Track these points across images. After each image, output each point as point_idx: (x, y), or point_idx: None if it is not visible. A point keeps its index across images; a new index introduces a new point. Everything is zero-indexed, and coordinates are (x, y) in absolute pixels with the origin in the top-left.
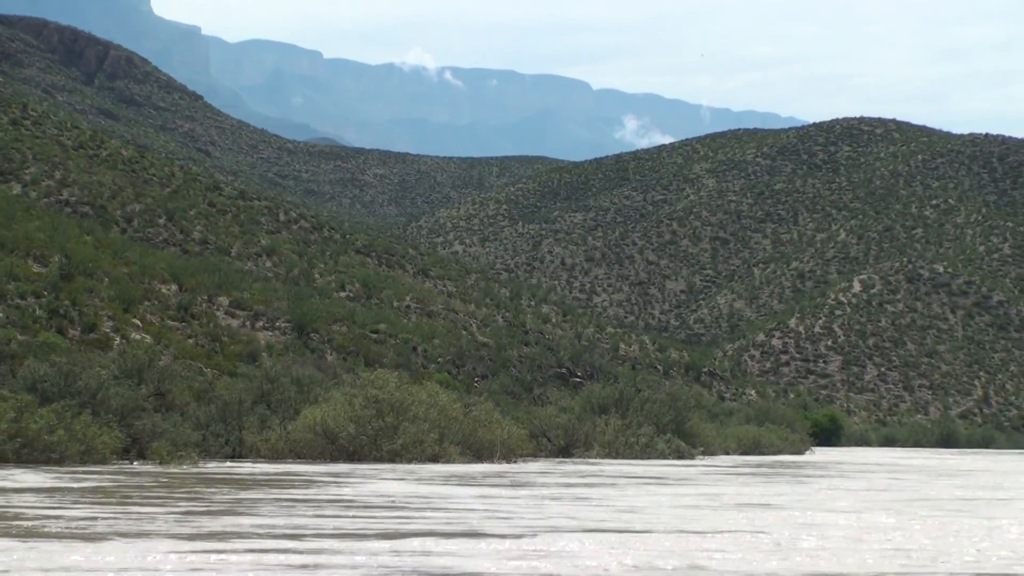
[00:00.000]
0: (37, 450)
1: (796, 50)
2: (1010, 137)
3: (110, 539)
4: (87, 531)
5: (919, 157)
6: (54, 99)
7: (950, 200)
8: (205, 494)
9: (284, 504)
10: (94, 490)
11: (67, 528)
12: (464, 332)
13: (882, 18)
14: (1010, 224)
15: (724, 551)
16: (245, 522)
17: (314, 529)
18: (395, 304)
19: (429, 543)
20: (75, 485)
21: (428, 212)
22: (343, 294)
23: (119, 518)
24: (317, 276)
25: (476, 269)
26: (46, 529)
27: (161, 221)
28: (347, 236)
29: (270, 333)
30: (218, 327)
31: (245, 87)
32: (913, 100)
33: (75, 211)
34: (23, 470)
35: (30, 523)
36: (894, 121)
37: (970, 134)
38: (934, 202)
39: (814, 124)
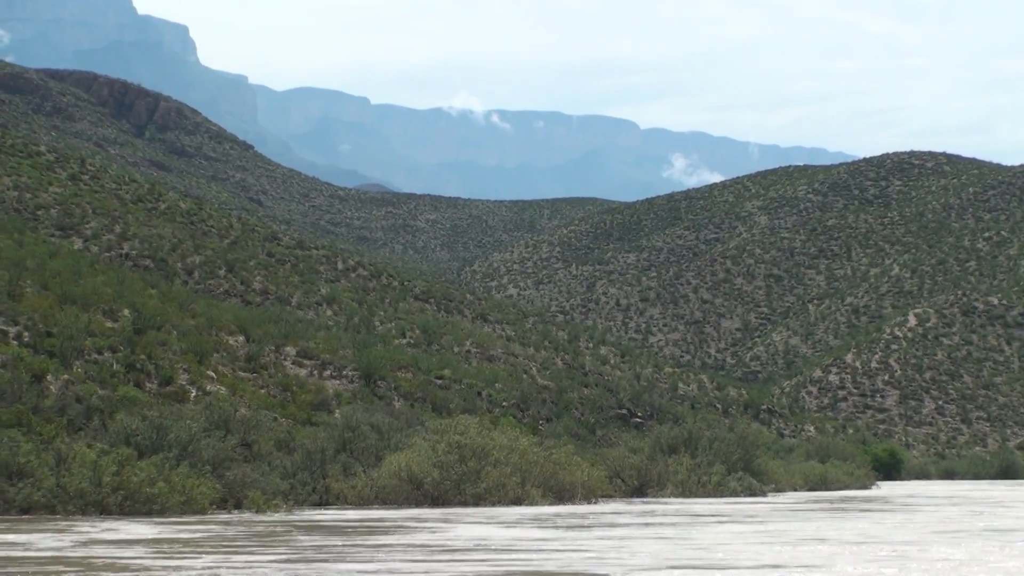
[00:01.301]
0: (139, 502)
1: (840, 85)
2: None
3: None
4: None
5: (970, 190)
6: (106, 152)
7: (1002, 232)
8: (305, 542)
9: (379, 549)
10: (207, 539)
11: None
12: (525, 375)
13: (924, 51)
14: None
15: None
16: (353, 568)
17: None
18: (455, 350)
19: None
20: (186, 535)
21: (481, 256)
22: (403, 341)
23: (239, 568)
24: (377, 323)
25: (533, 312)
26: None
27: (221, 272)
28: (405, 283)
29: (338, 382)
30: (287, 377)
31: (293, 135)
32: (960, 132)
33: (136, 265)
34: (128, 522)
35: (161, 574)
36: (944, 154)
37: (1021, 165)
38: (987, 234)
39: (864, 159)
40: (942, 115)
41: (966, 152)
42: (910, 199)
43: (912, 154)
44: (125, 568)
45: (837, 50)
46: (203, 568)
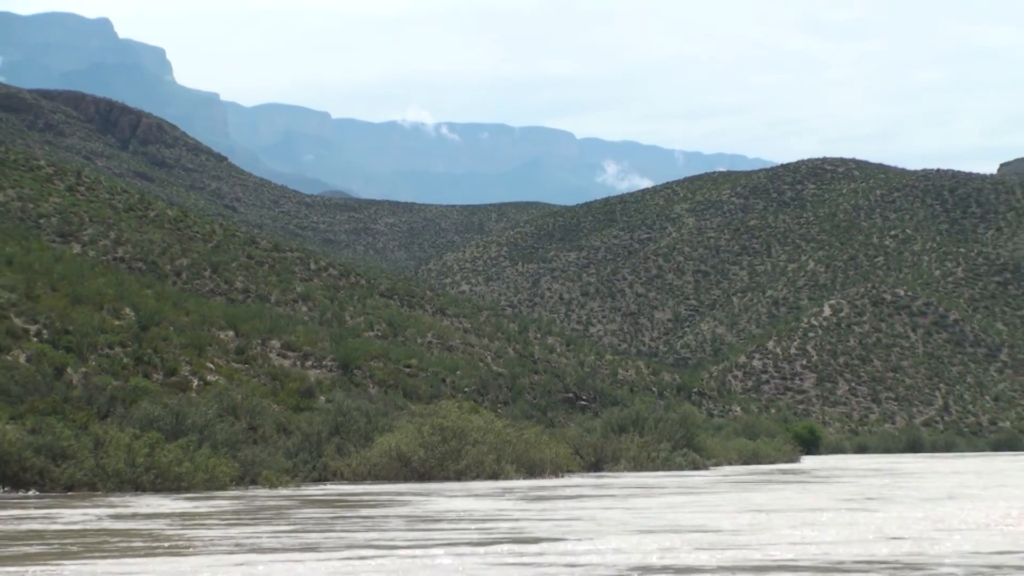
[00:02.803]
0: (169, 480)
1: (758, 97)
2: (958, 171)
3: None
4: (263, 546)
5: (877, 192)
6: (94, 164)
7: (907, 230)
8: (314, 514)
9: (380, 519)
10: (241, 512)
11: (238, 545)
12: (481, 364)
13: (834, 66)
14: (962, 250)
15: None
16: (380, 537)
17: (411, 541)
18: (419, 341)
19: (516, 547)
20: (206, 509)
21: (435, 256)
22: (372, 333)
23: (281, 535)
24: (348, 318)
25: (486, 306)
26: (230, 546)
27: (207, 273)
28: (371, 281)
29: (319, 371)
30: (274, 367)
31: (261, 147)
32: (867, 140)
33: (130, 267)
34: (159, 497)
35: (209, 543)
36: (853, 160)
37: (922, 170)
38: (893, 232)
39: (781, 165)
40: (851, 124)
41: (873, 158)
42: (823, 201)
43: (824, 160)
44: (148, 535)
45: (755, 65)
46: (214, 536)
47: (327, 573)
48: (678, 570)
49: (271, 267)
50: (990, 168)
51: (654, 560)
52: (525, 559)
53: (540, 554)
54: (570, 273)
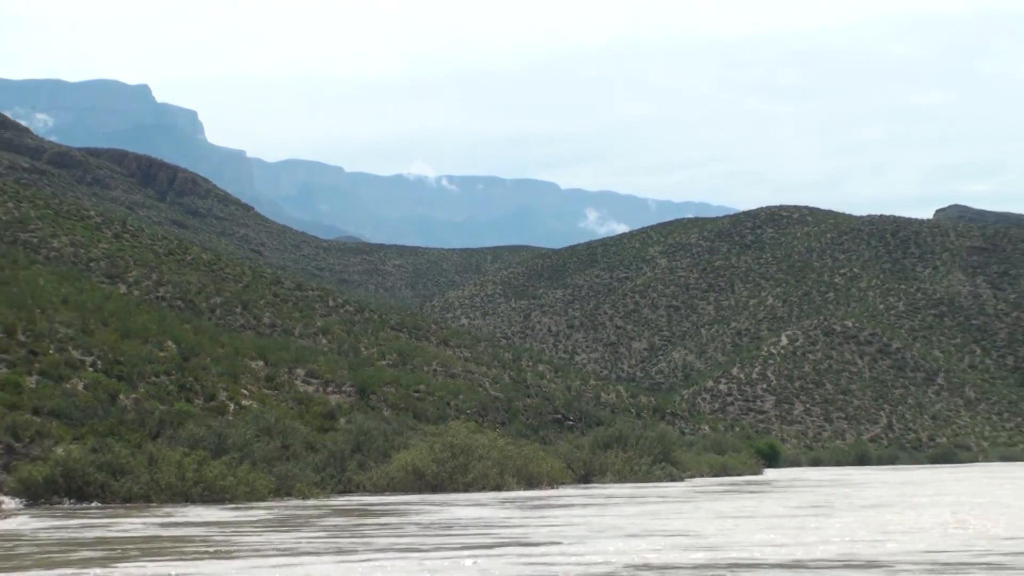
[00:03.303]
0: (215, 492)
1: (721, 151)
2: (898, 216)
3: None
4: (299, 550)
5: (828, 235)
6: (137, 214)
7: (854, 269)
8: (341, 522)
9: (400, 526)
10: (280, 520)
11: (277, 549)
12: (480, 388)
13: (787, 124)
14: (903, 287)
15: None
16: (402, 541)
17: (430, 545)
18: (425, 368)
19: (522, 550)
20: (247, 518)
21: (438, 294)
22: (384, 362)
23: (316, 540)
24: (363, 349)
25: (484, 338)
26: (270, 550)
27: (238, 310)
28: (382, 316)
29: (339, 396)
30: (299, 393)
31: (283, 197)
32: (818, 188)
33: (170, 305)
34: (206, 508)
35: (252, 548)
36: (806, 207)
37: (867, 215)
38: (842, 271)
39: (743, 212)
40: (803, 175)
41: (823, 205)
42: (780, 243)
43: (781, 207)
44: (197, 541)
45: (717, 124)
46: (256, 541)
47: (361, 574)
48: (666, 567)
49: (294, 304)
50: (926, 214)
51: (647, 559)
52: (534, 560)
53: (545, 555)
54: (557, 308)
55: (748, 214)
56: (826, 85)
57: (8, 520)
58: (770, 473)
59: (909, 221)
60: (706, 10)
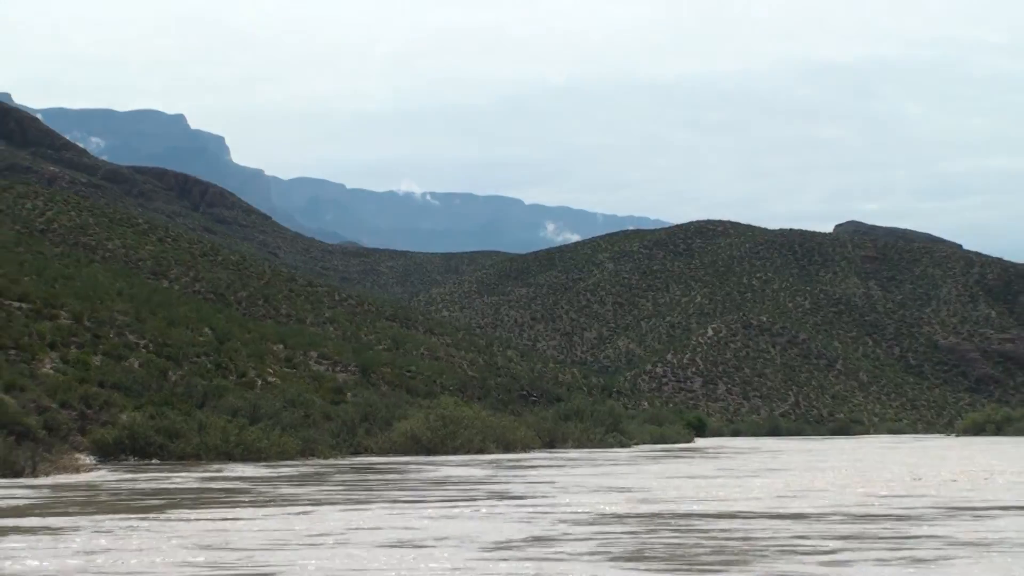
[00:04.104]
0: (252, 452)
1: (658, 175)
2: (804, 230)
3: (375, 503)
4: (324, 500)
5: (746, 246)
6: (175, 222)
7: (768, 274)
8: (363, 478)
9: (403, 481)
10: (307, 475)
11: (307, 499)
12: (459, 369)
13: (711, 152)
14: (808, 288)
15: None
16: (408, 494)
17: (433, 497)
18: (415, 353)
19: (509, 502)
20: (276, 474)
21: (424, 291)
22: (380, 347)
23: (335, 493)
24: (363, 336)
25: (462, 328)
26: (301, 499)
27: (260, 302)
28: (378, 309)
29: (344, 375)
30: (313, 372)
31: (295, 209)
32: (738, 206)
33: (205, 298)
34: (245, 466)
35: (284, 498)
36: (729, 222)
37: (778, 229)
38: (758, 275)
39: (676, 225)
40: (725, 195)
41: (743, 220)
42: (707, 251)
43: (707, 221)
44: (240, 492)
45: (654, 151)
46: (288, 492)
47: (379, 518)
48: (626, 516)
49: (306, 298)
50: (828, 228)
51: (613, 509)
52: (524, 508)
53: (531, 505)
54: (522, 303)
55: (680, 227)
56: (743, 121)
57: (91, 473)
58: (700, 442)
59: (813, 234)
60: (644, 57)
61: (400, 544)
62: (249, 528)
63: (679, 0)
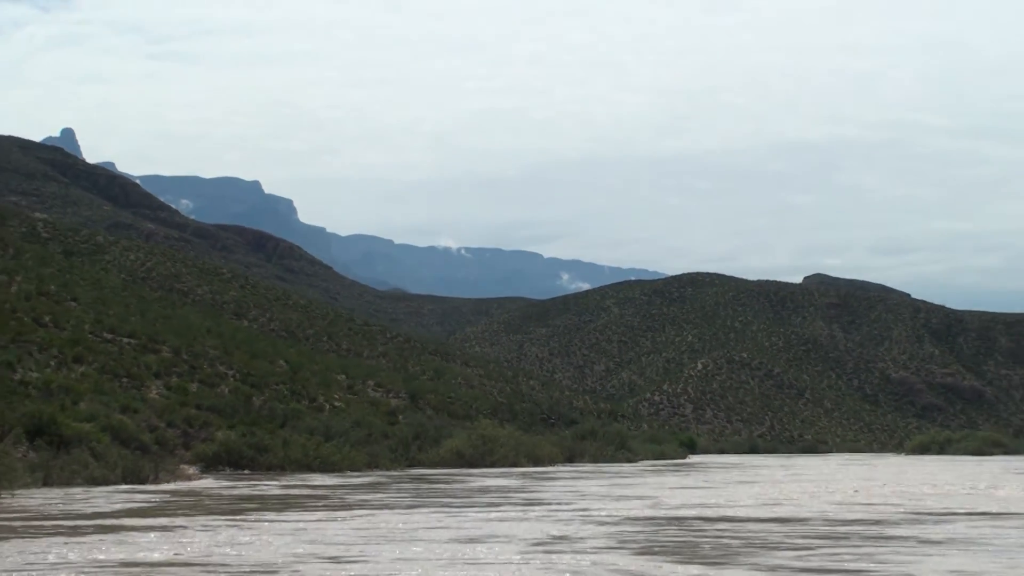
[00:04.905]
0: (328, 464)
1: (655, 234)
2: (779, 281)
3: (421, 507)
4: (388, 504)
5: (729, 294)
6: (252, 272)
7: (748, 317)
8: (419, 487)
9: (451, 490)
10: (373, 484)
11: (375, 503)
12: (491, 396)
13: (700, 215)
14: (781, 330)
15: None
16: (457, 500)
17: (481, 502)
18: (453, 382)
19: (542, 507)
20: (347, 483)
21: (459, 330)
22: (425, 377)
23: (398, 498)
24: (410, 367)
25: (492, 361)
26: (369, 504)
27: (325, 339)
28: (423, 345)
29: (396, 400)
30: (370, 398)
31: (352, 261)
32: (723, 260)
33: (278, 335)
34: (322, 476)
35: (356, 503)
36: (715, 273)
37: (757, 280)
38: (739, 319)
39: (671, 276)
40: (712, 251)
41: (727, 272)
42: (697, 299)
43: (697, 273)
44: (318, 498)
45: (650, 214)
46: (358, 499)
47: (436, 519)
48: (643, 519)
49: (362, 336)
50: (797, 279)
51: (627, 513)
52: (559, 512)
53: (564, 510)
54: (542, 341)
55: (674, 277)
56: (727, 189)
57: (199, 481)
58: (692, 458)
59: (786, 284)
60: (644, 136)
61: (456, 540)
62: (341, 527)
63: (673, 90)
